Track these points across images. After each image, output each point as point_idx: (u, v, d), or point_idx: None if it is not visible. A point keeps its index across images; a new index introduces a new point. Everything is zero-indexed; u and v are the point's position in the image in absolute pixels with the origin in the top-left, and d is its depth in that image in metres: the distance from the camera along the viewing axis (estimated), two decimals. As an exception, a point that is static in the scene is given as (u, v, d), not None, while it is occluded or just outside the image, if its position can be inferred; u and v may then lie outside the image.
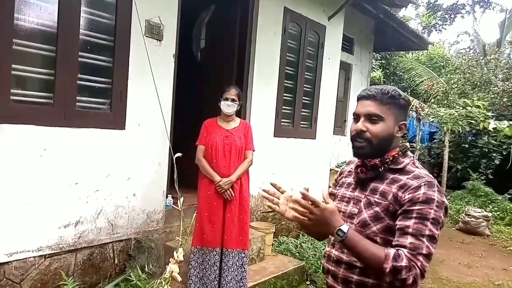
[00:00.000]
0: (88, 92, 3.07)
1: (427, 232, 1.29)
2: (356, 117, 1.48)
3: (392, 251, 1.27)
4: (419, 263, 1.25)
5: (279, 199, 1.47)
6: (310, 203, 1.31)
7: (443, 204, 1.34)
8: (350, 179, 1.57)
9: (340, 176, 1.66)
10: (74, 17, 2.89)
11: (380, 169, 1.45)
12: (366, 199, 1.45)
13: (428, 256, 1.28)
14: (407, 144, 3.11)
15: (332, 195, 1.62)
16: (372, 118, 1.43)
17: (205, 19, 5.12)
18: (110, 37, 3.14)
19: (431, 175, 1.41)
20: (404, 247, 1.28)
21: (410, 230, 1.29)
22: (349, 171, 1.62)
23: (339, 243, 1.32)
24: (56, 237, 2.94)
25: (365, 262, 1.32)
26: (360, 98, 1.49)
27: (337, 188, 1.62)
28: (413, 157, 1.52)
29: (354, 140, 1.47)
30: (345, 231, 1.30)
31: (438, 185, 1.39)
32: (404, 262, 1.24)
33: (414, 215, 1.31)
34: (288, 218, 1.41)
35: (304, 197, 1.32)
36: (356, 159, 1.56)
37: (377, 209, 1.40)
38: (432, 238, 1.30)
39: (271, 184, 1.48)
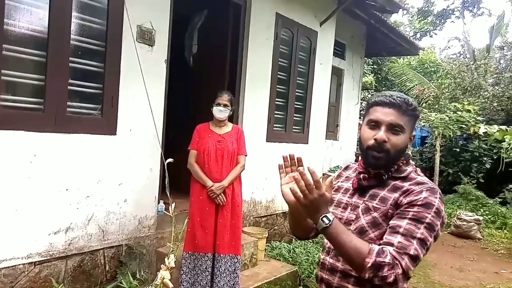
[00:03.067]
0: (79, 98, 3.05)
1: (418, 235, 1.24)
2: (375, 124, 1.37)
3: (376, 246, 1.23)
4: (403, 263, 1.20)
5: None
6: (314, 183, 1.19)
7: (441, 213, 1.29)
8: (348, 185, 1.50)
9: (337, 180, 1.58)
10: (65, 22, 2.87)
11: (384, 177, 1.40)
12: (364, 204, 1.39)
13: (414, 258, 1.23)
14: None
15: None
16: (394, 128, 1.35)
17: (197, 24, 5.12)
18: (102, 42, 3.12)
19: (434, 183, 1.37)
20: (392, 245, 1.23)
21: (401, 230, 1.25)
22: (347, 177, 1.56)
23: (321, 231, 1.23)
24: (46, 243, 2.91)
25: (346, 254, 1.24)
26: (380, 103, 1.37)
27: (333, 192, 1.50)
28: (415, 165, 1.47)
29: (371, 150, 1.36)
30: (331, 218, 1.21)
31: (441, 194, 1.34)
32: (387, 259, 1.19)
33: (410, 216, 1.27)
34: (284, 191, 1.31)
35: (311, 174, 1.19)
36: (354, 164, 1.51)
37: (375, 214, 1.35)
38: (423, 242, 1.24)
39: (296, 156, 1.35)
